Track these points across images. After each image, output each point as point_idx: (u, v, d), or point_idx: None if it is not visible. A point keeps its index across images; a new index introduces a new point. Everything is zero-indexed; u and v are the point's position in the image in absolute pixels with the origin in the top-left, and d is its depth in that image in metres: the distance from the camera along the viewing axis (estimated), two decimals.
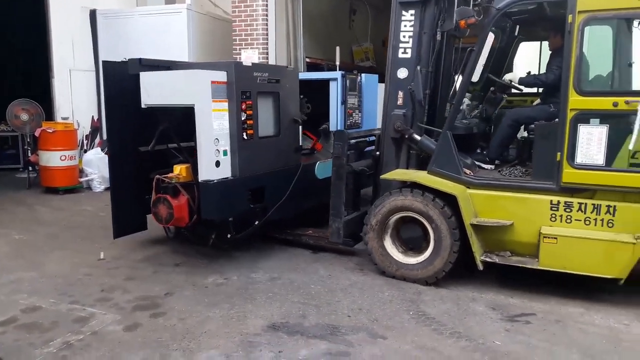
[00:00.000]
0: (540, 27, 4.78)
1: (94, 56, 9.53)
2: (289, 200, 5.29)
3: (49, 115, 9.25)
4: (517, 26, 5.42)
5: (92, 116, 9.62)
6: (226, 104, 4.59)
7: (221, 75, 4.54)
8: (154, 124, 4.97)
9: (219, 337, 3.61)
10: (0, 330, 3.71)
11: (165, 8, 9.71)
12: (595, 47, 4.14)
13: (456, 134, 4.79)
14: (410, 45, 4.85)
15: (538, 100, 5.18)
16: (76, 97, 9.46)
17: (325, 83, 6.34)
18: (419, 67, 4.73)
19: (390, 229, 4.74)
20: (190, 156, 4.85)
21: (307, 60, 9.12)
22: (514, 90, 5.59)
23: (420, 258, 4.60)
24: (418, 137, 4.86)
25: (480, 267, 4.40)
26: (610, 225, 4.09)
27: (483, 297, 4.35)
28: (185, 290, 4.39)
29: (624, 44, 4.13)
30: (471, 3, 4.52)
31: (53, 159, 8.34)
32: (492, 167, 4.88)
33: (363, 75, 6.69)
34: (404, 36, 4.87)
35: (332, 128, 6.26)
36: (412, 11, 4.80)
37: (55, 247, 5.60)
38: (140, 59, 4.64)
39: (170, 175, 4.70)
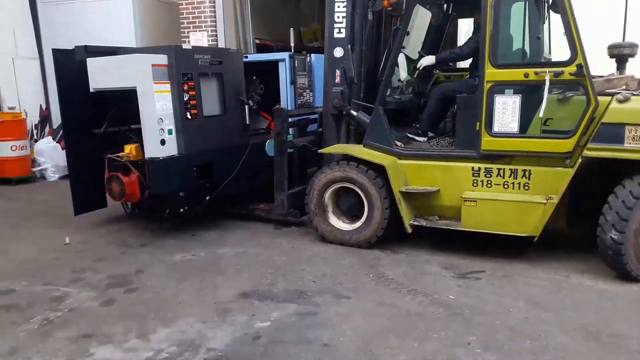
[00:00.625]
0: (470, 5, 5.03)
1: (36, 44, 9.33)
2: (239, 176, 5.59)
3: None
4: (451, 4, 5.68)
5: (40, 105, 9.45)
6: (168, 85, 4.86)
7: (162, 59, 4.80)
8: (106, 107, 5.24)
9: (193, 306, 3.80)
10: None
11: None
12: (508, 22, 4.41)
13: (392, 109, 5.10)
14: (344, 25, 5.11)
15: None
16: (21, 86, 9.21)
17: (275, 64, 6.61)
18: (349, 46, 5.00)
19: (329, 199, 5.06)
20: (140, 137, 5.13)
21: (257, 41, 9.25)
22: (451, 66, 5.89)
23: (357, 224, 4.93)
24: (355, 113, 5.16)
25: (409, 230, 4.73)
26: (526, 188, 4.42)
27: (436, 259, 4.67)
28: (155, 268, 4.56)
29: (533, 19, 4.41)
30: None
31: (3, 149, 8.24)
32: (425, 139, 5.18)
33: (313, 55, 6.95)
34: (338, 17, 5.13)
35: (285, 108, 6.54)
36: None
37: (19, 235, 5.69)
38: (86, 46, 4.90)
39: (121, 154, 4.97)
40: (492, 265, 4.46)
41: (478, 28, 5.00)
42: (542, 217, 4.27)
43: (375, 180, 4.74)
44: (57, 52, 5.08)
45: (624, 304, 3.76)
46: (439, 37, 5.83)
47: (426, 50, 5.56)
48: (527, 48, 4.49)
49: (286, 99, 6.57)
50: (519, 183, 4.46)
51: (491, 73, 4.37)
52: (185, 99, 4.98)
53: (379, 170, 4.75)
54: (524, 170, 4.42)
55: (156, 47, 5.05)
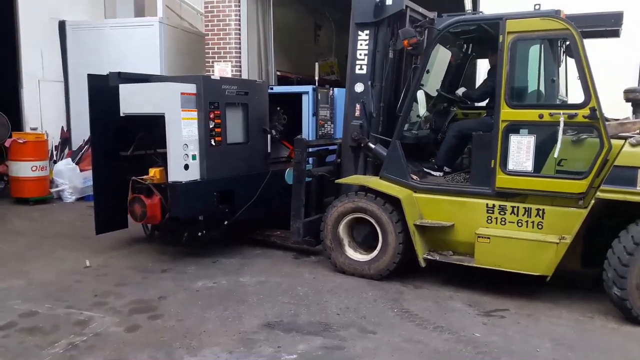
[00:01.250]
0: (488, 46, 5.20)
1: (62, 67, 9.61)
2: (258, 203, 5.74)
3: (16, 125, 9.17)
4: (470, 45, 5.86)
5: (62, 127, 9.68)
6: (195, 113, 5.08)
7: (191, 88, 5.04)
8: (134, 131, 5.48)
9: (218, 336, 3.79)
10: (2, 334, 3.81)
11: (136, 21, 9.85)
12: (524, 64, 4.55)
13: (409, 143, 5.24)
14: (365, 62, 5.32)
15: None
16: (45, 107, 9.46)
17: (299, 96, 6.84)
18: (369, 82, 5.19)
19: (344, 230, 5.16)
20: (165, 161, 5.33)
21: (278, 73, 9.55)
22: (469, 105, 6.02)
23: (370, 256, 5.01)
24: (373, 146, 5.30)
25: (423, 263, 4.80)
26: (540, 227, 4.47)
27: (459, 295, 4.68)
28: (177, 294, 4.57)
29: (548, 62, 4.55)
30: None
31: (24, 169, 8.31)
32: (441, 174, 5.29)
33: (335, 89, 7.17)
34: (360, 54, 5.35)
35: (305, 138, 6.74)
36: (367, 31, 5.28)
37: (38, 255, 5.67)
38: (119, 73, 5.18)
39: (145, 177, 5.17)
40: (516, 304, 4.48)
41: (492, 69, 5.16)
42: (555, 256, 4.30)
43: (392, 213, 4.83)
44: (91, 77, 5.36)
45: None
46: (459, 76, 5.99)
47: (445, 88, 5.74)
48: (542, 89, 4.61)
49: (308, 130, 6.76)
50: (532, 222, 4.51)
51: (506, 113, 4.49)
52: (211, 126, 5.20)
53: (395, 203, 4.85)
54: (538, 209, 4.47)
55: (186, 77, 5.31)
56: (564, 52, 4.69)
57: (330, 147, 5.98)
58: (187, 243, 5.51)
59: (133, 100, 5.04)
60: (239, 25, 9.02)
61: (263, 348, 3.63)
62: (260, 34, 9.35)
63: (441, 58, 6.02)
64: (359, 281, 4.98)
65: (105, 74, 5.30)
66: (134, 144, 5.46)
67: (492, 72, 5.01)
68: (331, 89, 7.18)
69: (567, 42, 4.36)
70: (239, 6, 8.99)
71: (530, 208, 4.51)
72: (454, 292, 4.74)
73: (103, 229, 5.64)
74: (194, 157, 5.10)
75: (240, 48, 9.03)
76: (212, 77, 5.24)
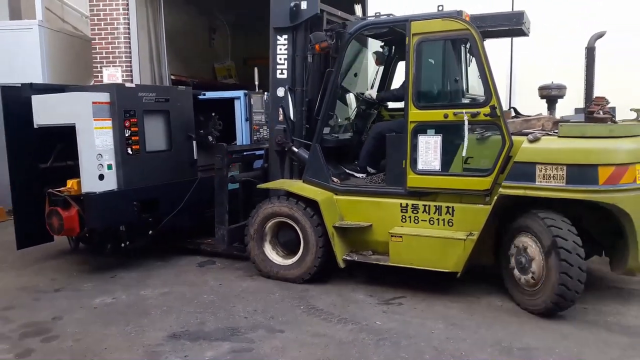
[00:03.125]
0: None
1: None
2: (185, 210, 5.70)
3: None
4: (393, 47, 5.94)
5: None
6: (110, 122, 5.03)
7: (103, 97, 4.99)
8: (53, 142, 5.40)
9: (121, 351, 3.69)
10: None
11: (13, 24, 9.24)
12: (428, 65, 4.62)
13: (332, 147, 5.28)
14: (285, 66, 5.33)
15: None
16: None
17: (231, 101, 6.82)
18: (286, 87, 5.21)
19: (268, 234, 5.16)
20: None
21: (172, 77, 9.37)
22: (393, 105, 6.09)
23: (293, 259, 5.02)
24: (296, 150, 5.31)
25: (342, 264, 4.83)
26: (450, 224, 4.55)
27: (361, 287, 4.84)
28: (74, 313, 4.37)
29: (450, 63, 4.62)
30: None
31: None
32: (364, 175, 5.33)
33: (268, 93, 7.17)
34: (279, 58, 5.35)
35: (239, 144, 6.72)
36: (285, 36, 5.28)
37: None
38: (31, 84, 5.10)
39: (62, 189, 5.10)
40: (412, 292, 4.70)
41: None
42: (463, 252, 4.37)
43: (312, 217, 4.85)
44: (4, 89, 5.28)
45: (527, 319, 4.11)
46: (385, 78, 6.07)
47: (371, 91, 5.80)
48: (447, 90, 4.68)
49: (242, 135, 6.75)
50: (443, 219, 4.58)
51: (414, 114, 4.57)
52: (127, 135, 5.15)
53: (316, 207, 4.87)
54: (448, 207, 4.56)
55: (100, 86, 5.25)
56: (468, 51, 4.77)
57: (257, 152, 5.98)
58: (109, 254, 5.43)
59: (45, 111, 4.98)
60: (128, 28, 8.65)
61: (169, 359, 3.58)
62: (152, 37, 9.06)
63: (370, 61, 6.11)
64: (266, 282, 5.03)
65: (18, 84, 5.22)
66: (53, 156, 5.38)
67: None
68: (265, 93, 7.17)
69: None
70: (127, 9, 8.62)
71: (441, 206, 4.59)
72: (356, 285, 4.90)
73: (24, 244, 5.53)
74: (109, 167, 5.05)
75: (130, 52, 8.70)
76: (127, 85, 5.20)
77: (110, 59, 8.61)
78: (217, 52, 12.36)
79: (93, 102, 4.87)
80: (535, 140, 4.15)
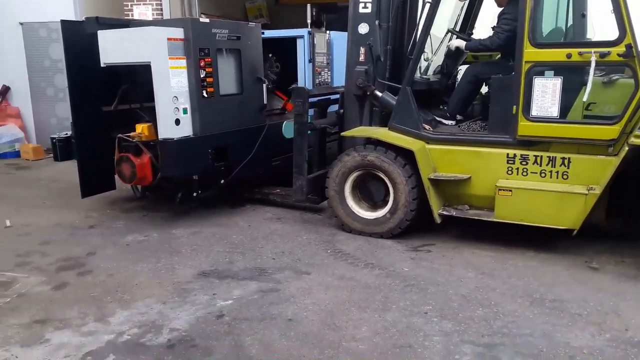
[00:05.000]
0: None
1: None
2: (254, 159, 5.32)
3: None
4: None
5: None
6: (184, 61, 4.57)
7: (178, 32, 4.50)
8: (117, 83, 4.96)
9: (151, 287, 3.70)
10: None
11: None
12: None
13: (419, 90, 4.81)
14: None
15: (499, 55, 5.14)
16: None
17: (293, 41, 6.30)
18: (377, 22, 4.69)
19: (351, 185, 4.79)
20: (153, 116, 4.85)
21: (203, 16, 8.93)
22: None
23: (381, 213, 4.67)
24: (379, 94, 4.87)
25: (438, 220, 4.48)
26: (565, 177, 4.15)
27: None
28: (106, 249, 4.40)
29: None
30: None
31: None
32: (453, 122, 4.89)
33: (331, 32, 6.62)
34: None
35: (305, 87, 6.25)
36: None
37: None
38: (97, 18, 4.60)
39: (132, 134, 4.70)
40: (442, 239, 4.58)
41: (503, 11, 4.69)
42: (584, 208, 3.99)
43: (404, 167, 4.47)
44: (65, 24, 4.78)
45: (561, 269, 3.97)
46: (469, 15, 5.50)
47: (456, 28, 5.26)
48: (570, 26, 4.17)
49: (304, 78, 6.28)
50: (557, 172, 4.18)
51: (531, 53, 4.07)
52: (202, 75, 4.69)
53: (407, 156, 4.48)
54: (563, 158, 4.14)
55: (172, 20, 4.74)
56: None
57: (332, 97, 5.51)
58: (181, 203, 5.10)
59: (114, 49, 4.50)
60: None
61: (198, 296, 3.57)
62: None
63: None
64: (294, 225, 4.95)
65: (80, 20, 4.72)
66: (117, 98, 4.95)
67: (503, 15, 4.54)
68: (327, 32, 6.63)
69: None
70: None
71: (555, 157, 4.17)
72: None
73: (89, 192, 5.19)
74: (185, 111, 4.63)
75: None
76: (202, 19, 4.68)
77: None
78: None
79: (168, 39, 4.38)
80: None
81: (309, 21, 7.04)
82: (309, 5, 7.35)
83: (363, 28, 4.86)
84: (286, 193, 5.49)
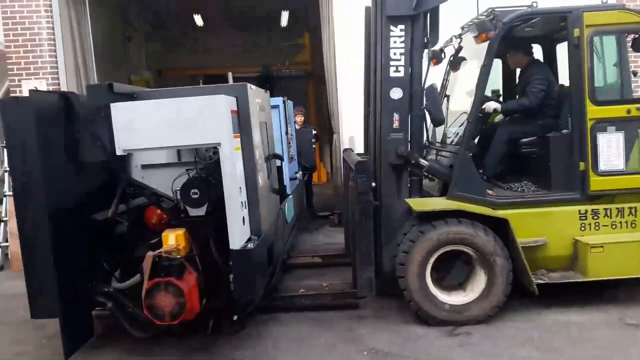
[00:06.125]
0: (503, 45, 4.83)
1: None
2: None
3: None
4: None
5: None
6: (238, 140, 3.37)
7: (232, 103, 3.32)
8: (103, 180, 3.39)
9: None
10: None
11: None
12: (601, 59, 4.35)
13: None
14: (402, 62, 4.37)
15: (500, 116, 5.21)
16: None
17: None
18: (414, 87, 4.36)
19: (430, 267, 4.13)
20: (176, 214, 3.42)
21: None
22: None
23: (471, 295, 4.12)
24: (425, 162, 4.41)
25: (536, 291, 4.13)
26: (633, 226, 4.29)
27: (398, 316, 4.26)
28: None
29: (623, 55, 4.43)
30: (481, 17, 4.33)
31: None
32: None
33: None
34: (394, 53, 4.37)
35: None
36: (402, 26, 4.33)
37: None
38: (110, 84, 3.07)
39: (165, 249, 3.21)
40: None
41: (526, 72, 4.83)
42: None
43: (496, 239, 4.05)
44: (34, 94, 3.08)
45: None
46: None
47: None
48: (623, 84, 4.45)
49: (280, 152, 5.37)
50: (626, 222, 4.30)
51: (593, 110, 4.20)
52: (256, 157, 3.53)
53: (494, 227, 4.08)
54: (630, 208, 4.29)
55: (224, 86, 3.49)
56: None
57: None
58: (235, 330, 3.66)
59: (150, 127, 3.05)
60: (53, 34, 7.05)
61: None
62: (76, 43, 7.37)
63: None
64: (299, 326, 4.07)
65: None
66: (116, 198, 3.37)
67: (529, 76, 4.68)
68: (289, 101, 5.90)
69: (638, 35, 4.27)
70: (51, 11, 7.00)
71: (623, 208, 4.29)
72: (389, 312, 4.38)
73: (73, 348, 3.33)
74: (244, 205, 3.38)
75: (56, 62, 7.06)
76: (251, 86, 3.56)
77: (32, 71, 6.83)
78: (133, 63, 10.53)
79: (232, 111, 3.17)
80: None
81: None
82: (229, 74, 6.48)
83: (396, 93, 4.40)
84: (316, 293, 4.45)
